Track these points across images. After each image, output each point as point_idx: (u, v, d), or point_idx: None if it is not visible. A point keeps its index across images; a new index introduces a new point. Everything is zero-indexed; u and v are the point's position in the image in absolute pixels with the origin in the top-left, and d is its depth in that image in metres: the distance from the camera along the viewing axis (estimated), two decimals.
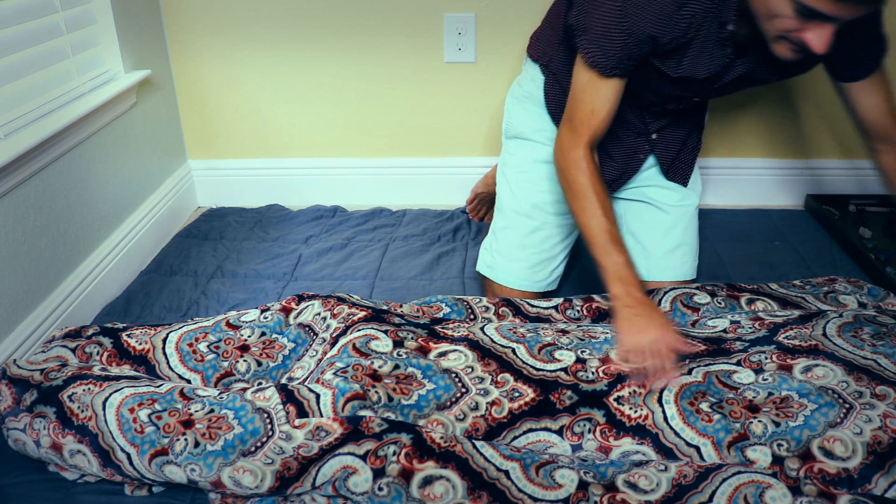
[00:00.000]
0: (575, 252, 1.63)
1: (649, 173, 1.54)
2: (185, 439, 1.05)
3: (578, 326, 1.30)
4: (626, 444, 1.08)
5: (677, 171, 1.53)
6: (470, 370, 1.16)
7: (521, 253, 1.52)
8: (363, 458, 1.01)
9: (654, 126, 1.47)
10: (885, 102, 1.24)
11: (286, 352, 1.29)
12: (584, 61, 1.25)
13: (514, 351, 1.19)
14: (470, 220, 1.97)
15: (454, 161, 2.10)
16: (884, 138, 1.27)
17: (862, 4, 1.02)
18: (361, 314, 1.28)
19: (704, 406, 1.09)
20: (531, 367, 1.16)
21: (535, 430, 1.10)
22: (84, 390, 1.12)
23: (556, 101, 1.48)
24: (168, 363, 1.26)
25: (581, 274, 1.69)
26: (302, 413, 1.07)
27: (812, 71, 1.94)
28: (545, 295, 1.55)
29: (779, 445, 1.04)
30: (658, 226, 1.53)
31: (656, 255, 1.52)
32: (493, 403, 1.12)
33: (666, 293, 1.42)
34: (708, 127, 2.06)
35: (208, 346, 1.28)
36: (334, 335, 1.25)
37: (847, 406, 1.06)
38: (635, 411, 1.10)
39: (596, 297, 1.43)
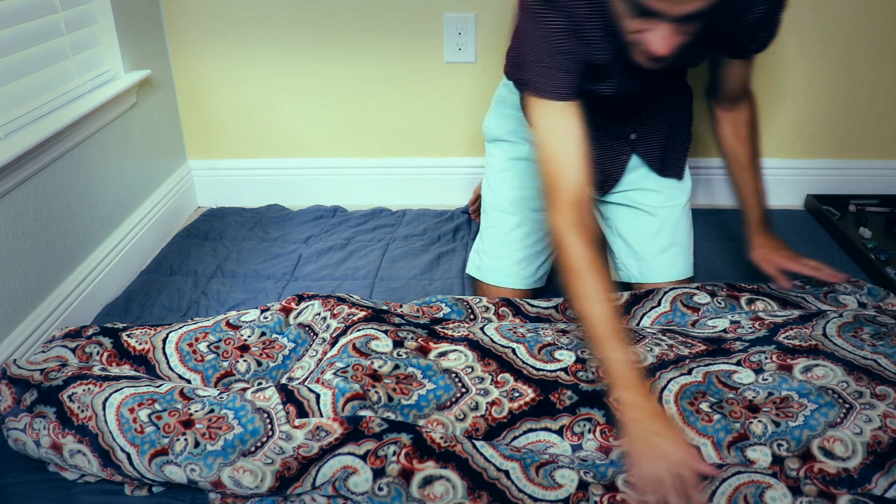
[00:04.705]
0: None
1: (634, 176, 1.52)
2: (185, 439, 1.05)
3: (579, 326, 1.30)
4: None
5: (669, 166, 1.52)
6: (470, 370, 1.16)
7: (504, 250, 1.52)
8: (363, 458, 1.01)
9: (630, 127, 1.46)
10: (747, 74, 1.41)
11: (286, 352, 1.29)
12: (534, 94, 1.20)
13: (514, 351, 1.19)
14: (470, 220, 1.98)
15: (454, 161, 2.10)
16: (731, 98, 1.44)
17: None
18: (361, 314, 1.28)
19: (704, 406, 1.09)
20: (531, 367, 1.16)
21: (535, 430, 1.10)
22: (84, 390, 1.12)
23: None
24: (168, 363, 1.26)
25: None
26: (302, 413, 1.07)
27: (811, 72, 1.96)
28: (535, 292, 1.55)
29: (779, 445, 1.03)
30: (646, 229, 1.53)
31: (647, 257, 1.52)
32: (493, 403, 1.12)
33: (666, 293, 1.42)
34: (709, 127, 2.06)
35: (208, 346, 1.28)
36: (334, 335, 1.25)
37: (847, 406, 1.06)
38: None
39: None
